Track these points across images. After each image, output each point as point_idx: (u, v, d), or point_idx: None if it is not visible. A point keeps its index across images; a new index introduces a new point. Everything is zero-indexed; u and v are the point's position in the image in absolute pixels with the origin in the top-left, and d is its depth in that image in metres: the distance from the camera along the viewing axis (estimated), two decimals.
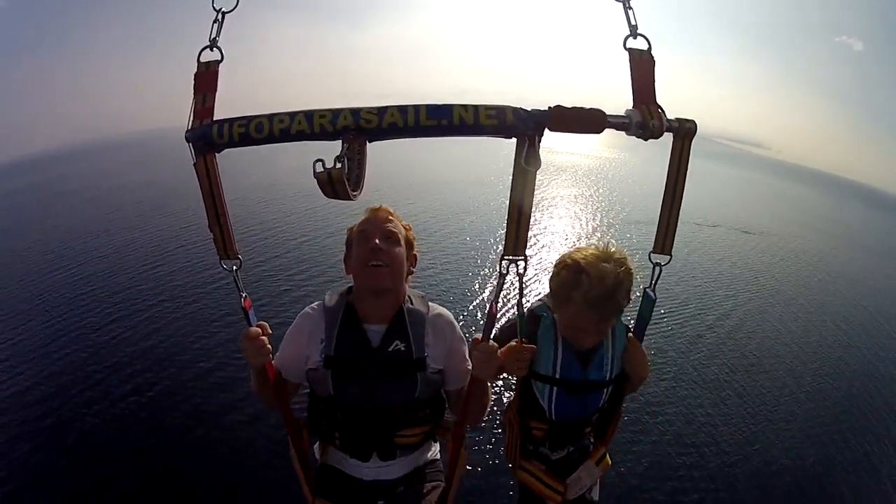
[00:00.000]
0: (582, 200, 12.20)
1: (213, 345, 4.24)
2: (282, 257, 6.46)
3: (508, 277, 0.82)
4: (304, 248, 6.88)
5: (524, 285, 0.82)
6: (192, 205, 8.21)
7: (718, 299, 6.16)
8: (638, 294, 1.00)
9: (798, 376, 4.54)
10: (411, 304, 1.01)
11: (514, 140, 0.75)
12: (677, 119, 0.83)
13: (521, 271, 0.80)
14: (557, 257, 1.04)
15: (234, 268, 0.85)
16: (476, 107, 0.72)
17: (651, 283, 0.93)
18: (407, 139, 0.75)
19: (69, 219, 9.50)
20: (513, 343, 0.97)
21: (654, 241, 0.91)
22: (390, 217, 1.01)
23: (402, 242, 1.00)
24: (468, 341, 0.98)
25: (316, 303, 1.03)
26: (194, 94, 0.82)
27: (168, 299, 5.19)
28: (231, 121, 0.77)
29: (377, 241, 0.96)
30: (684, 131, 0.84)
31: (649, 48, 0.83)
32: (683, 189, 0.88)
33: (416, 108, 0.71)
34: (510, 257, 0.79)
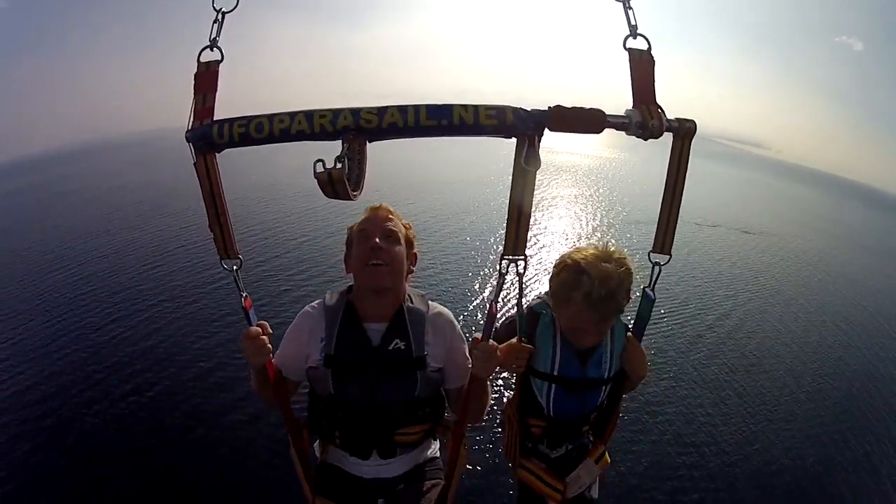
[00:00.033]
0: (582, 200, 12.20)
1: (213, 344, 4.24)
2: (282, 257, 6.46)
3: (508, 277, 0.83)
4: (305, 248, 6.88)
5: (524, 285, 0.82)
6: (193, 205, 8.21)
7: (718, 299, 6.16)
8: (637, 293, 1.00)
9: (798, 376, 4.54)
10: (411, 302, 1.01)
11: (514, 140, 0.75)
12: (677, 119, 0.83)
13: (521, 271, 0.80)
14: (557, 257, 1.05)
15: (235, 267, 0.85)
16: (476, 107, 0.72)
17: (650, 282, 0.93)
18: (407, 139, 0.75)
19: (69, 219, 9.50)
20: (513, 341, 0.97)
21: (653, 240, 0.91)
22: (390, 216, 1.01)
23: (403, 241, 1.00)
24: (468, 340, 0.98)
25: (316, 301, 1.03)
26: (194, 94, 0.82)
27: (168, 299, 5.19)
28: (231, 121, 0.77)
29: (377, 239, 0.96)
30: (684, 131, 0.84)
31: (649, 48, 0.83)
32: (683, 189, 0.89)
33: (416, 108, 0.71)
34: (510, 257, 0.80)
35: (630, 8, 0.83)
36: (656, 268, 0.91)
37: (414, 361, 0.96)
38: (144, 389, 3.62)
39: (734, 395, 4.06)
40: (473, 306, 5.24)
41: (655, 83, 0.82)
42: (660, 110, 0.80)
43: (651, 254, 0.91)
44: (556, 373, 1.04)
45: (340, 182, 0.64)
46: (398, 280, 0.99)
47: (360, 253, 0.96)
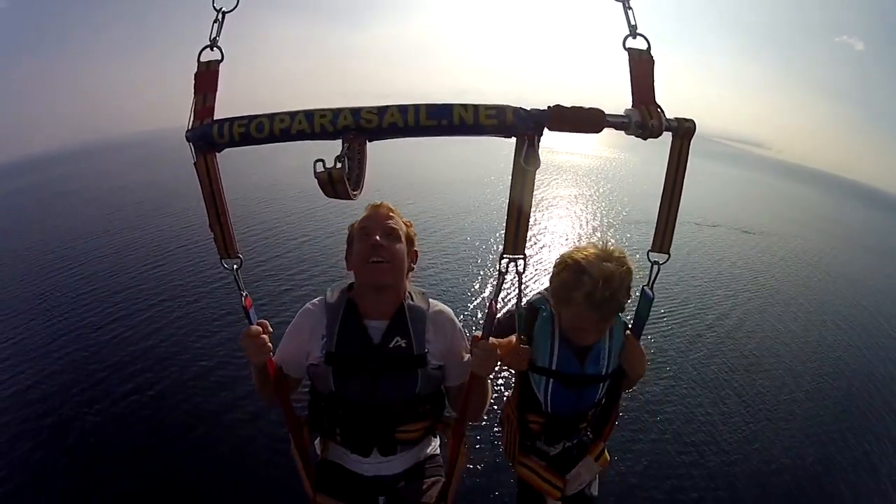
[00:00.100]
0: (581, 200, 12.20)
1: (213, 344, 4.25)
2: (282, 257, 6.47)
3: (508, 276, 0.83)
4: (305, 248, 6.89)
5: (524, 284, 0.82)
6: (193, 205, 8.22)
7: (718, 299, 6.16)
8: (636, 292, 1.00)
9: (797, 376, 4.55)
10: (412, 300, 1.01)
11: (513, 140, 0.75)
12: (676, 119, 0.83)
13: (521, 270, 0.80)
14: (557, 257, 1.05)
15: (235, 267, 0.86)
16: (476, 106, 0.72)
17: (649, 281, 0.94)
18: (407, 139, 0.75)
19: (70, 219, 9.51)
20: (512, 339, 0.98)
21: (652, 239, 0.91)
22: (391, 213, 1.02)
23: (403, 239, 1.00)
24: (468, 338, 0.98)
25: (317, 299, 1.04)
26: (195, 93, 0.82)
27: (169, 299, 5.20)
28: (232, 120, 0.77)
29: (378, 237, 0.96)
30: (683, 131, 0.84)
31: (649, 48, 0.83)
32: (682, 188, 0.89)
33: (417, 107, 0.71)
34: (510, 256, 0.80)
35: (630, 8, 0.83)
36: (655, 267, 0.91)
37: (415, 359, 0.96)
38: (145, 388, 3.62)
39: (734, 394, 4.06)
40: (474, 305, 5.24)
41: (655, 83, 0.82)
42: (659, 110, 0.80)
43: (650, 253, 0.91)
44: (554, 368, 1.05)
45: (340, 182, 0.64)
46: (399, 277, 0.99)
47: (361, 250, 0.97)
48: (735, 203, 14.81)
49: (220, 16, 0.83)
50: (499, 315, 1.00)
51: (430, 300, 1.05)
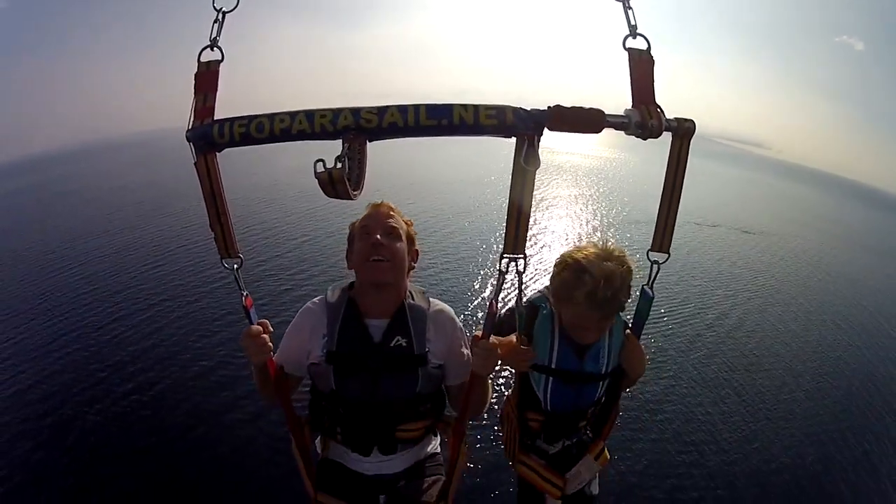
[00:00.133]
0: (581, 200, 12.21)
1: (214, 343, 4.26)
2: (283, 256, 6.48)
3: (508, 275, 0.83)
4: (305, 248, 6.89)
5: (524, 283, 0.83)
6: (193, 205, 8.22)
7: (718, 298, 6.17)
8: (636, 291, 1.01)
9: (797, 375, 4.55)
10: (412, 299, 1.02)
11: (513, 140, 0.76)
12: (676, 119, 0.83)
13: (521, 269, 0.81)
14: (557, 256, 1.05)
15: (235, 267, 0.86)
16: (476, 106, 0.72)
17: (649, 280, 0.94)
18: (407, 139, 0.75)
19: (70, 219, 9.52)
20: (512, 338, 0.98)
21: (652, 239, 0.92)
22: (392, 212, 1.02)
23: (404, 238, 1.01)
24: (469, 338, 0.99)
25: (318, 298, 1.04)
26: (195, 93, 0.82)
27: (169, 298, 5.20)
28: (232, 120, 0.77)
29: (378, 236, 0.96)
30: (683, 131, 0.84)
31: (648, 48, 0.83)
32: (682, 188, 0.89)
33: (417, 107, 0.71)
34: (510, 255, 0.80)
35: (630, 8, 0.83)
36: (655, 266, 0.91)
37: (415, 358, 0.96)
38: (145, 388, 3.63)
39: (733, 393, 4.07)
40: (474, 305, 5.25)
41: (655, 83, 0.82)
42: (659, 110, 0.80)
43: (650, 252, 0.91)
44: (553, 365, 1.05)
45: (341, 182, 0.64)
46: (399, 276, 0.99)
47: (362, 249, 0.97)
48: (735, 203, 14.81)
49: (220, 16, 0.83)
50: (500, 313, 1.00)
51: (431, 299, 1.05)
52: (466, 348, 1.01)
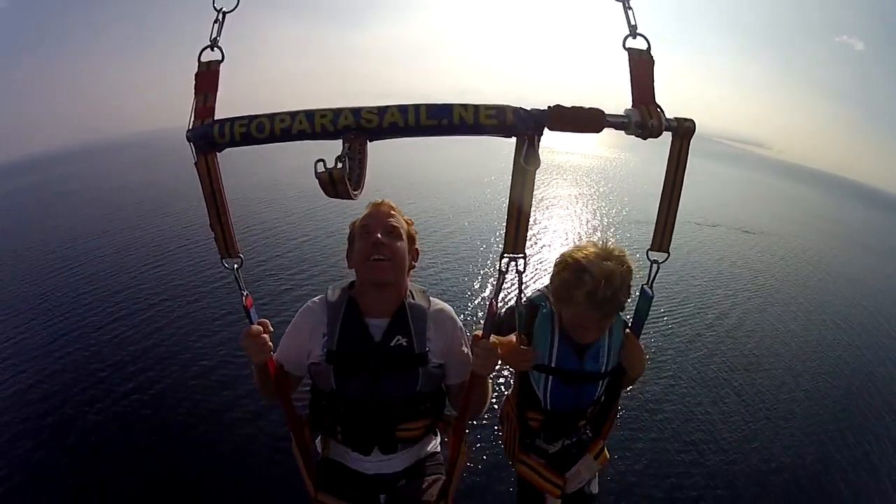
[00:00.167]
0: (582, 200, 12.21)
1: (214, 343, 4.26)
2: (283, 256, 6.48)
3: (508, 275, 0.83)
4: (305, 248, 6.90)
5: (524, 283, 0.83)
6: (194, 204, 8.22)
7: (718, 298, 6.17)
8: (636, 291, 1.01)
9: (797, 375, 4.55)
10: (413, 298, 1.02)
11: (513, 139, 0.76)
12: (676, 118, 0.83)
13: (521, 269, 0.81)
14: (557, 256, 1.05)
15: (236, 266, 0.86)
16: (476, 106, 0.72)
17: (649, 280, 0.94)
18: (407, 139, 0.75)
19: (70, 219, 9.52)
20: (512, 338, 0.98)
21: (651, 238, 0.92)
22: (392, 211, 1.02)
23: (404, 237, 1.01)
24: (469, 337, 0.99)
25: (318, 297, 1.04)
26: (195, 93, 0.82)
27: (169, 298, 5.21)
28: (232, 120, 0.77)
29: (379, 235, 0.96)
30: (683, 130, 0.84)
31: (648, 48, 0.83)
32: (682, 188, 0.89)
33: (417, 107, 0.71)
34: (510, 255, 0.80)
35: (630, 8, 0.83)
36: (654, 266, 0.92)
37: (415, 357, 0.96)
38: (146, 388, 3.63)
39: (733, 393, 4.07)
40: (474, 305, 5.25)
41: (655, 83, 0.82)
42: (659, 110, 0.80)
43: (649, 252, 0.92)
44: (553, 364, 1.05)
45: (341, 182, 0.64)
46: (400, 275, 0.99)
47: (362, 248, 0.97)
48: (735, 203, 14.81)
49: (220, 16, 0.83)
50: (501, 312, 1.00)
51: (431, 298, 1.05)
52: (467, 347, 1.01)
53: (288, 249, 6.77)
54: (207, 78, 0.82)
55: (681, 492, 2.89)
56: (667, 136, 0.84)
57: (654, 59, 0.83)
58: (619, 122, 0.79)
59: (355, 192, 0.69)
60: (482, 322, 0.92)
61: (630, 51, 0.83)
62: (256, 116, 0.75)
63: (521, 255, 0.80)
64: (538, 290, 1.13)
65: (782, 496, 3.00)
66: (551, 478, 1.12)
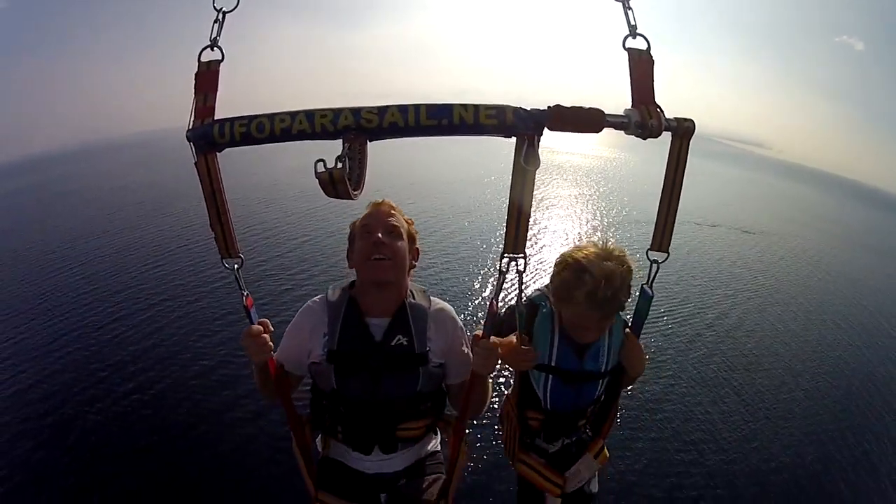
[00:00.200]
0: (581, 200, 12.21)
1: (214, 343, 4.26)
2: (283, 256, 6.48)
3: (509, 275, 0.83)
4: (305, 248, 6.90)
5: (524, 283, 0.83)
6: (194, 205, 8.22)
7: (718, 298, 6.17)
8: (636, 291, 1.01)
9: (797, 374, 4.55)
10: (413, 298, 1.02)
11: (513, 139, 0.76)
12: (676, 118, 0.84)
13: (521, 269, 0.81)
14: (557, 256, 1.05)
15: (236, 266, 0.86)
16: (476, 106, 0.72)
17: (649, 280, 0.94)
18: (407, 139, 0.75)
19: (70, 219, 9.52)
20: (513, 339, 0.98)
21: (651, 238, 0.92)
22: (392, 211, 1.02)
23: (405, 236, 1.01)
24: (469, 337, 0.99)
25: (318, 297, 1.04)
26: (195, 93, 0.82)
27: (170, 298, 5.21)
28: (232, 120, 0.77)
29: (380, 234, 0.96)
30: (682, 130, 0.84)
31: (648, 48, 0.83)
32: (682, 188, 0.89)
33: (417, 107, 0.72)
34: (510, 255, 0.80)
35: (630, 8, 0.84)
36: (654, 265, 0.92)
37: (416, 357, 0.97)
38: (146, 387, 3.64)
39: (733, 393, 4.07)
40: (474, 305, 5.25)
41: (654, 83, 0.82)
42: (659, 110, 0.81)
43: (649, 252, 0.92)
44: (553, 364, 1.05)
45: (341, 182, 0.64)
46: (400, 274, 0.99)
47: (363, 248, 0.97)
48: (735, 203, 14.80)
49: (220, 16, 0.83)
50: (500, 312, 1.00)
51: (432, 298, 1.05)
52: (467, 347, 1.01)
53: (288, 249, 6.77)
54: (207, 78, 0.82)
55: (680, 491, 2.89)
56: (667, 136, 0.84)
57: (653, 59, 0.83)
58: (619, 122, 0.79)
59: (355, 192, 0.69)
60: (482, 322, 0.92)
61: (630, 51, 0.83)
62: (256, 116, 0.75)
63: (522, 255, 0.80)
64: (538, 290, 1.13)
65: (782, 496, 3.01)
66: (551, 477, 1.13)
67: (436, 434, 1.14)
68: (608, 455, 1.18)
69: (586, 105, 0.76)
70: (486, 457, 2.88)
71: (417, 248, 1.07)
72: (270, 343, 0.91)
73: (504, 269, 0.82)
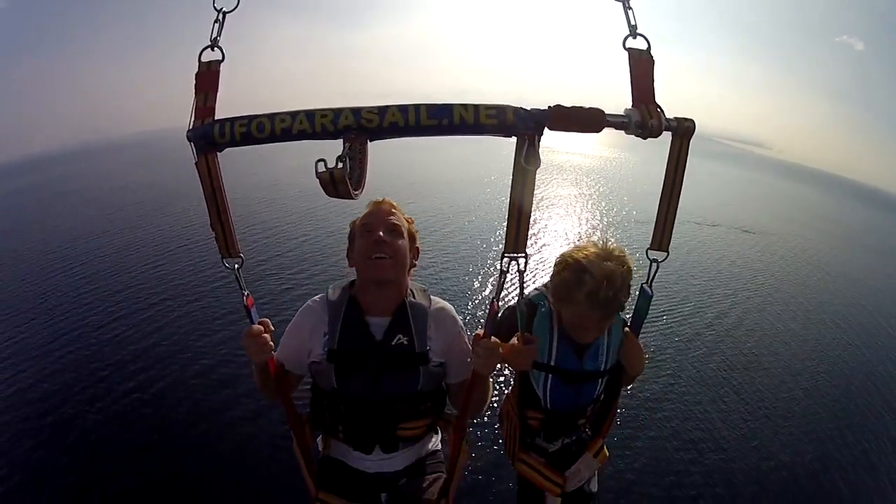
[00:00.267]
0: (582, 199, 12.22)
1: (215, 342, 4.26)
2: (283, 256, 6.49)
3: (509, 275, 0.83)
4: (305, 247, 6.90)
5: (524, 282, 0.83)
6: (194, 204, 8.22)
7: (717, 297, 6.18)
8: (635, 290, 1.01)
9: (796, 374, 4.56)
10: (413, 297, 1.02)
11: (514, 139, 0.76)
12: (676, 118, 0.84)
13: (522, 268, 0.81)
14: (557, 256, 1.05)
15: (236, 266, 0.86)
16: (476, 106, 0.72)
17: (648, 279, 0.94)
18: (407, 139, 0.75)
19: (70, 219, 9.52)
20: (514, 340, 0.98)
21: (651, 238, 0.92)
22: (393, 210, 1.02)
23: (405, 235, 1.01)
24: (470, 336, 0.99)
25: (319, 296, 1.04)
26: (195, 93, 0.82)
27: (170, 298, 5.21)
28: (233, 120, 0.77)
29: (381, 233, 0.96)
30: (683, 130, 0.84)
31: (648, 48, 0.83)
32: (682, 187, 0.89)
33: (417, 107, 0.72)
34: (511, 255, 0.80)
35: (630, 8, 0.84)
36: (654, 265, 0.92)
37: (416, 356, 0.97)
38: (146, 387, 3.64)
39: (732, 392, 4.08)
40: (474, 304, 5.26)
41: (655, 83, 0.82)
42: (659, 110, 0.81)
43: (649, 251, 0.92)
44: (552, 363, 1.06)
45: (342, 181, 0.65)
46: (401, 273, 0.99)
47: (364, 246, 0.97)
48: (735, 203, 14.81)
49: (220, 16, 0.83)
50: (498, 314, 1.00)
51: (432, 297, 1.05)
52: (467, 346, 1.01)
53: (288, 249, 6.77)
54: (208, 78, 0.82)
55: (680, 490, 2.90)
56: (667, 136, 0.84)
57: (654, 58, 0.83)
58: (619, 122, 0.79)
59: (356, 192, 0.69)
60: (483, 322, 0.92)
61: (630, 51, 0.83)
62: (256, 116, 0.75)
63: (522, 255, 0.80)
64: (536, 289, 1.13)
65: (781, 495, 3.01)
66: (551, 476, 1.13)
67: (436, 433, 1.14)
68: (608, 454, 1.18)
69: (586, 105, 0.76)
70: (486, 456, 2.88)
71: (417, 248, 1.07)
72: (271, 343, 0.91)
73: (505, 269, 0.82)
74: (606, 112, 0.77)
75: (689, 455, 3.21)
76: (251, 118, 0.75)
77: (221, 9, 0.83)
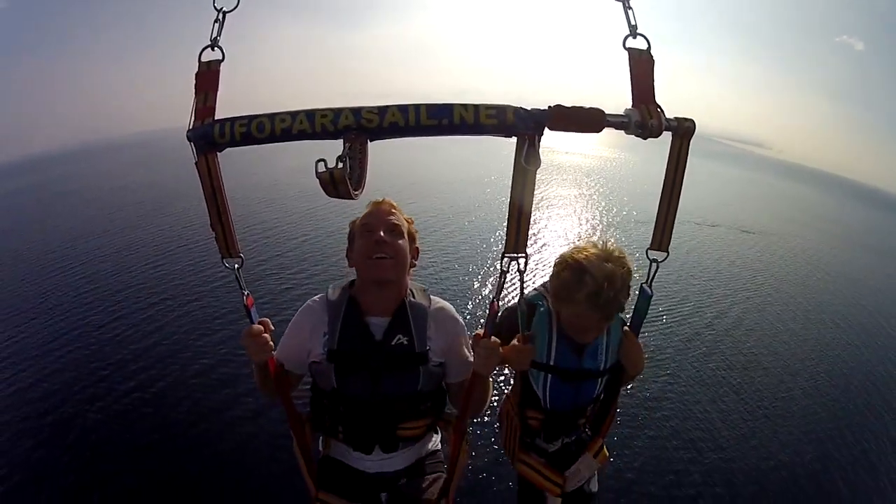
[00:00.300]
0: (581, 199, 12.22)
1: (215, 342, 4.27)
2: (283, 256, 6.49)
3: (509, 275, 0.84)
4: (305, 247, 6.91)
5: (525, 282, 0.83)
6: (194, 204, 8.23)
7: (717, 297, 6.18)
8: (635, 290, 1.01)
9: (796, 374, 4.56)
10: (413, 297, 1.02)
11: (514, 139, 0.76)
12: (676, 118, 0.84)
13: (522, 268, 0.81)
14: (557, 256, 1.05)
15: (236, 266, 0.86)
16: (476, 106, 0.72)
17: (648, 279, 0.95)
18: (407, 138, 0.75)
19: (70, 219, 9.52)
20: (514, 342, 0.98)
21: (651, 238, 0.92)
22: (393, 210, 1.02)
23: (405, 235, 1.01)
24: (470, 336, 0.99)
25: (318, 296, 1.04)
26: (196, 93, 0.82)
27: (170, 297, 5.22)
28: (233, 120, 0.77)
29: (381, 233, 0.97)
30: (683, 130, 0.84)
31: (648, 48, 0.83)
32: (682, 187, 0.89)
33: (417, 107, 0.72)
34: (511, 254, 0.80)
35: (630, 8, 0.84)
36: (654, 265, 0.92)
37: (416, 356, 0.97)
38: (147, 386, 3.64)
39: (732, 391, 4.08)
40: (474, 304, 5.26)
41: (655, 83, 0.82)
42: (659, 109, 0.81)
43: (649, 251, 0.92)
44: (551, 362, 1.06)
45: (342, 181, 0.65)
46: (401, 273, 0.99)
47: (364, 246, 0.97)
48: (735, 203, 14.81)
49: (220, 16, 0.83)
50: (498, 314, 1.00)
51: (432, 297, 1.06)
52: (467, 346, 1.01)
53: (288, 249, 6.78)
54: (208, 78, 0.82)
55: (679, 489, 2.90)
56: (667, 136, 0.84)
57: (654, 58, 0.83)
58: (619, 122, 0.79)
59: (356, 192, 0.69)
60: (483, 322, 0.92)
61: (630, 50, 0.83)
62: (257, 116, 0.75)
63: (523, 255, 0.81)
64: (535, 289, 1.13)
65: (780, 494, 3.01)
66: (551, 476, 1.13)
67: (436, 433, 1.14)
68: (608, 454, 1.19)
69: (586, 105, 0.76)
70: (486, 456, 2.89)
71: (417, 247, 1.07)
72: (271, 342, 0.91)
73: (505, 269, 0.82)
74: (606, 112, 0.77)
75: (688, 454, 3.22)
76: (251, 118, 0.75)
77: (221, 8, 0.83)
